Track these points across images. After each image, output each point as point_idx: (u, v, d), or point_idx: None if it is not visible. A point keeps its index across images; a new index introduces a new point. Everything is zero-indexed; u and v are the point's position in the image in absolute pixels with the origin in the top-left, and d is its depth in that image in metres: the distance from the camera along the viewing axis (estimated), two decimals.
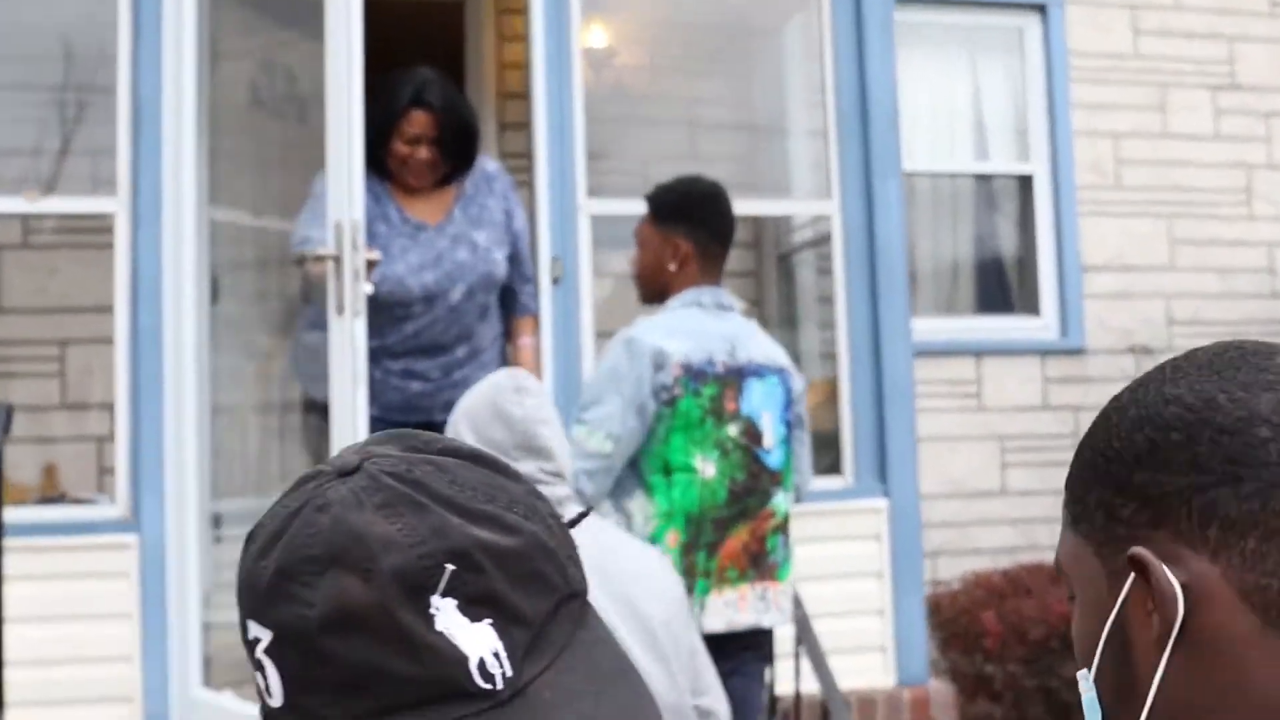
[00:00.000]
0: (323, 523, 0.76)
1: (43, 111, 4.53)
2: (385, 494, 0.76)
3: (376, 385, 3.56)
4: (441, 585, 0.74)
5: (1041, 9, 5.61)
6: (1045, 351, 5.58)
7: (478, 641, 0.74)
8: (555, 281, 3.95)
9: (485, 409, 2.17)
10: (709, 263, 2.99)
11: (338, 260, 3.24)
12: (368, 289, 3.25)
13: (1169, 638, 0.73)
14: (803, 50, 5.25)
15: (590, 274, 4.03)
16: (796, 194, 5.20)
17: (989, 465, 5.49)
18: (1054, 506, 5.58)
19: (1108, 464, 0.79)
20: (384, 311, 3.52)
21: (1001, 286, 5.75)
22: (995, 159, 5.72)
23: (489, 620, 0.75)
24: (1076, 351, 5.59)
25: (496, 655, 0.75)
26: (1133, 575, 0.75)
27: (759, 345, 2.94)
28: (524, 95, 5.36)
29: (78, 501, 3.93)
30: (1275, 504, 0.72)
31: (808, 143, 5.22)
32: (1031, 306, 5.65)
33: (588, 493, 2.73)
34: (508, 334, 3.81)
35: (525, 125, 5.34)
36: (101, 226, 4.11)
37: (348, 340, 3.21)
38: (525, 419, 2.13)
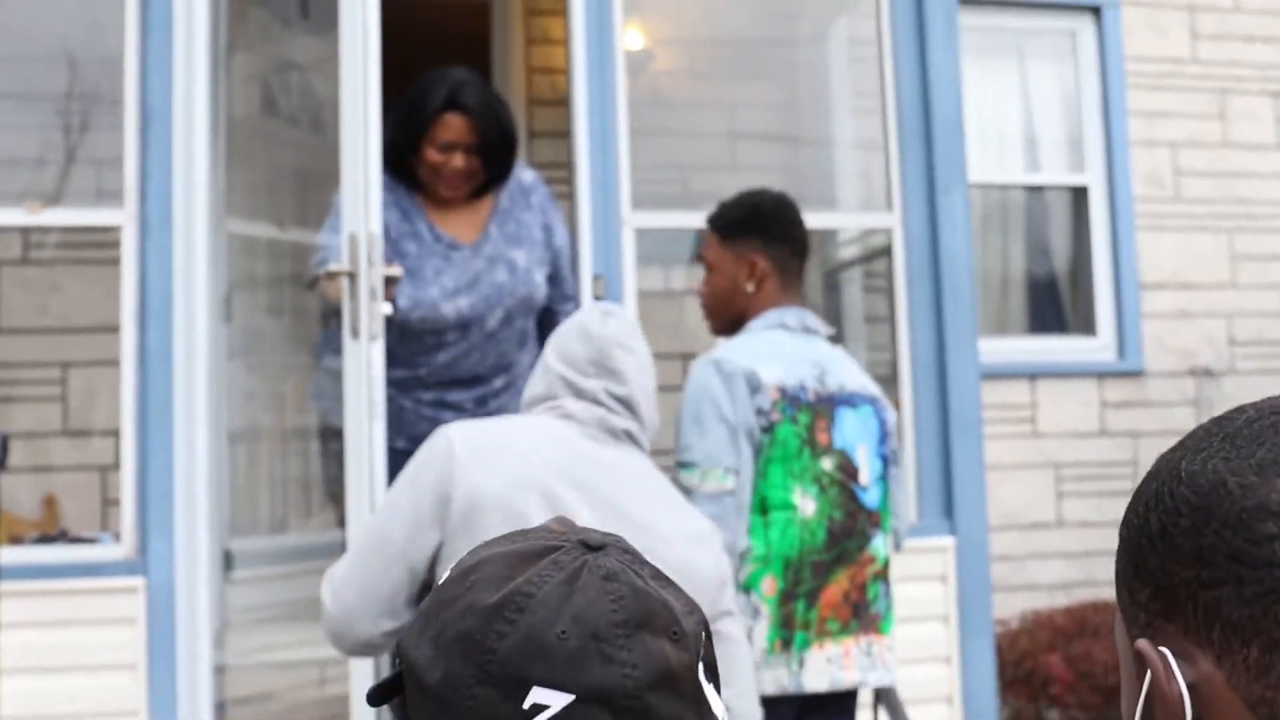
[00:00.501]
0: (620, 590, 0.81)
1: (44, 118, 4.24)
2: (649, 567, 0.85)
3: (407, 415, 3.26)
4: (703, 650, 0.84)
5: (1095, 10, 5.33)
6: (1102, 374, 5.29)
7: (715, 702, 0.84)
8: (598, 301, 3.65)
9: (571, 327, 2.16)
10: (788, 280, 2.72)
11: (352, 277, 2.93)
12: (386, 309, 2.95)
13: None
14: (849, 55, 4.96)
15: (635, 292, 3.74)
16: (843, 206, 4.91)
17: (1044, 495, 5.19)
18: (1113, 539, 5.27)
19: (1129, 540, 0.74)
20: (415, 339, 3.22)
21: (1055, 305, 5.46)
22: (1047, 170, 5.43)
23: (712, 684, 0.84)
24: (1135, 374, 5.30)
25: (724, 714, 0.85)
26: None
27: (848, 372, 2.67)
28: (554, 102, 5.09)
29: (78, 540, 3.62)
30: (1278, 610, 0.66)
31: (855, 153, 4.93)
32: (1087, 326, 5.35)
33: (725, 543, 2.36)
34: None
35: (556, 134, 5.06)
36: (107, 240, 3.82)
37: (363, 366, 2.90)
38: (604, 336, 2.10)
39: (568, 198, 4.04)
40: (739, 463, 2.45)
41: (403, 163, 3.26)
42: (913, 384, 3.89)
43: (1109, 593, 5.17)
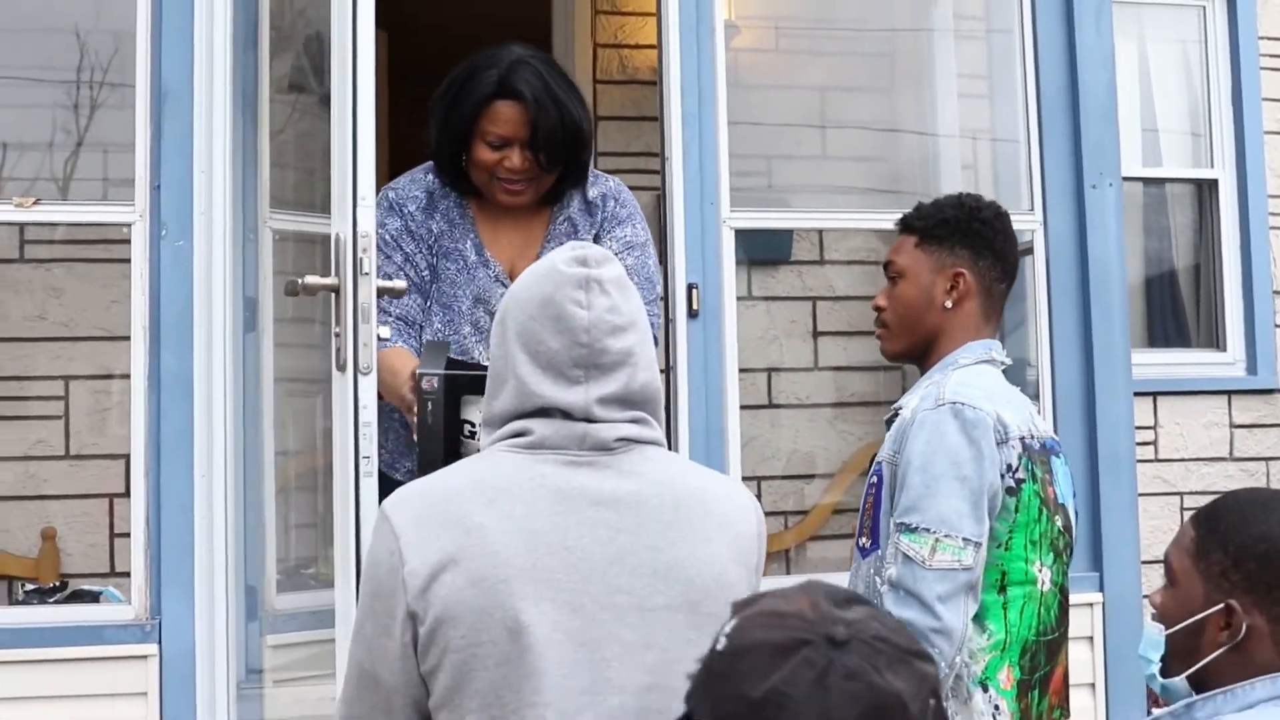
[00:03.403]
0: (859, 690, 1.03)
1: (44, 98, 3.71)
2: (884, 655, 1.05)
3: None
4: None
5: None
6: (1231, 391, 4.72)
7: None
8: (693, 315, 3.10)
9: (536, 301, 1.55)
10: (992, 306, 2.28)
11: (336, 292, 2.32)
12: (383, 332, 2.36)
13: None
14: (954, 29, 4.39)
15: (734, 301, 3.18)
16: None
17: (1166, 528, 4.63)
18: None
19: (1242, 546, 1.50)
20: None
21: (1177, 315, 4.89)
22: (1169, 163, 4.86)
23: None
24: (1268, 391, 4.74)
25: None
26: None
27: (1037, 414, 2.30)
28: (624, 81, 4.54)
29: (79, 597, 3.08)
30: None
31: (961, 143, 4.37)
32: (1214, 338, 4.79)
33: (950, 628, 2.00)
34: None
35: (624, 117, 4.51)
36: (115, 237, 3.28)
37: (349, 407, 2.28)
38: (593, 322, 1.52)
39: (643, 190, 3.50)
40: (980, 533, 2.05)
41: (456, 163, 2.64)
42: (1053, 413, 3.34)
43: None
